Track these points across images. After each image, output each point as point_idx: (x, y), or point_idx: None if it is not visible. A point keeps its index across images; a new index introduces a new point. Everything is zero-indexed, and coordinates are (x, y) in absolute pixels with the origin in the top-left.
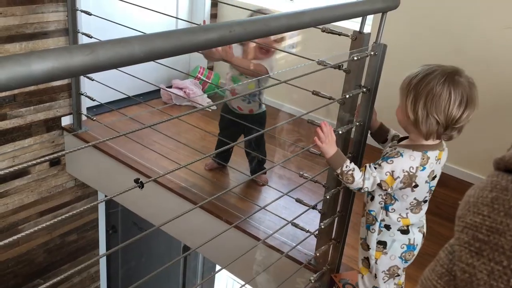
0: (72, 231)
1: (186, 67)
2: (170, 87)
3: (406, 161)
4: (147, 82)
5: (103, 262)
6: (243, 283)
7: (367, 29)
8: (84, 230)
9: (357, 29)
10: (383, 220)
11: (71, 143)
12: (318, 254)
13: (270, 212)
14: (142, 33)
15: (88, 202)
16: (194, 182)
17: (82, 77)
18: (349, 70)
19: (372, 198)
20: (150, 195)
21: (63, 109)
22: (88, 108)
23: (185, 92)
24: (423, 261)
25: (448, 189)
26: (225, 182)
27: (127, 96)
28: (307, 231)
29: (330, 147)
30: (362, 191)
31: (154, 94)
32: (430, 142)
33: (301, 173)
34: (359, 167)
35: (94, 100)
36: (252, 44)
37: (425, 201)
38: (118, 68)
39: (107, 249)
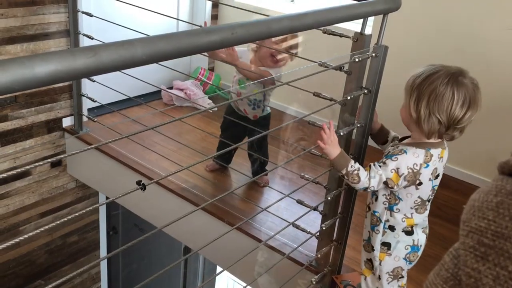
0: (73, 232)
1: (187, 68)
2: (171, 88)
3: (410, 158)
4: (148, 83)
5: (104, 263)
6: (244, 284)
7: (368, 30)
8: (85, 231)
9: (358, 30)
10: (387, 220)
11: (72, 144)
12: (319, 256)
13: (272, 214)
14: (143, 35)
15: (89, 203)
16: (195, 183)
17: (83, 79)
18: (350, 72)
19: (376, 199)
20: (151, 196)
21: (64, 110)
22: (89, 109)
23: (186, 93)
24: (425, 263)
25: (449, 190)
26: (226, 184)
27: (127, 97)
28: (308, 233)
29: (333, 148)
30: (368, 190)
31: (154, 95)
32: (432, 140)
33: (302, 174)
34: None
35: (95, 101)
36: (266, 50)
37: (429, 201)
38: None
39: (107, 250)
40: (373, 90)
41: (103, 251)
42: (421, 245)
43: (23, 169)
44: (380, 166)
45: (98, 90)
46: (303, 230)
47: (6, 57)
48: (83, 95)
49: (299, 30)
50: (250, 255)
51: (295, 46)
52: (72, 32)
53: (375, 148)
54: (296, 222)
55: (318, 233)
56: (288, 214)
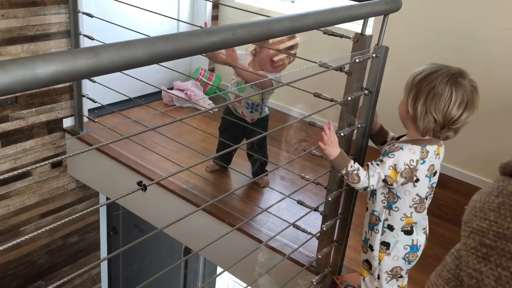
0: (73, 232)
1: (187, 68)
2: (171, 88)
3: (407, 154)
4: (148, 84)
5: (104, 264)
6: (244, 285)
7: (368, 31)
8: (85, 232)
9: (359, 31)
10: (386, 219)
11: (73, 145)
12: (320, 256)
13: (272, 214)
14: (144, 35)
15: (89, 204)
16: (195, 183)
17: (83, 79)
18: (351, 72)
19: (375, 198)
20: (151, 197)
21: (64, 111)
22: (89, 110)
23: (186, 93)
24: (425, 263)
25: (449, 190)
26: (226, 184)
27: (128, 98)
28: (309, 233)
29: (333, 148)
30: (368, 189)
31: (155, 95)
32: (427, 138)
33: (302, 175)
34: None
35: (95, 102)
36: (266, 54)
37: (426, 198)
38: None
39: (108, 251)
40: (374, 91)
41: (103, 251)
42: (420, 245)
43: (23, 169)
44: (377, 165)
45: (98, 91)
46: (304, 230)
47: (7, 58)
48: (84, 96)
49: (299, 31)
50: (250, 255)
51: (293, 47)
52: (72, 32)
53: (375, 149)
54: (296, 223)
55: (318, 234)
56: (288, 215)
